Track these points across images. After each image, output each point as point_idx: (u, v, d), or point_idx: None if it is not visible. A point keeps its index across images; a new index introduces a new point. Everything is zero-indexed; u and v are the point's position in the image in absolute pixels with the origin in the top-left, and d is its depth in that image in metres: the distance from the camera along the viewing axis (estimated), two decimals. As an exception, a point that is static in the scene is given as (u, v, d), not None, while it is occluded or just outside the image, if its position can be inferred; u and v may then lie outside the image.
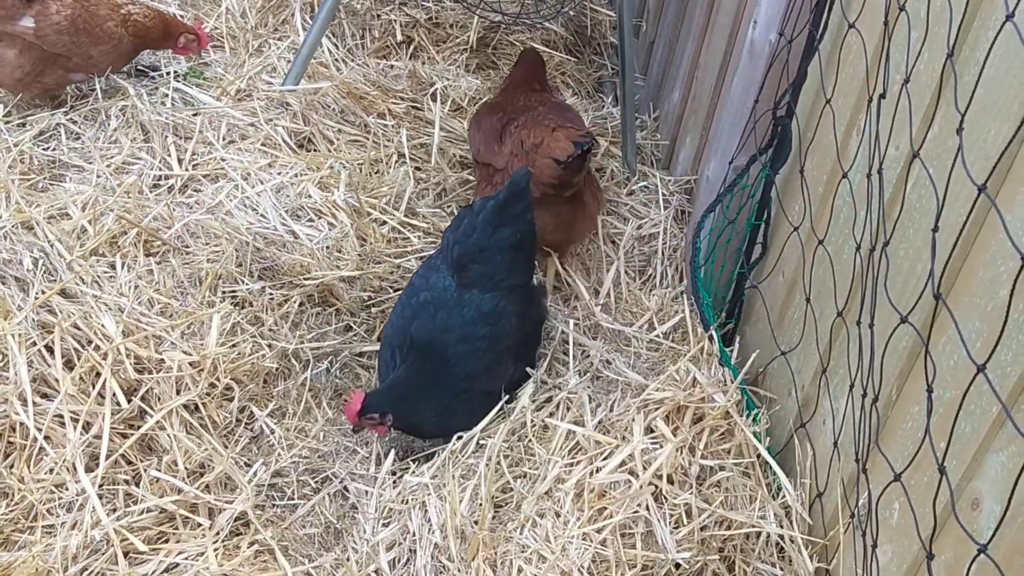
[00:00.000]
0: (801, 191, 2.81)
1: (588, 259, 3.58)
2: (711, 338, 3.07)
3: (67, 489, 2.55)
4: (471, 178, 3.76)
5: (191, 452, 2.62)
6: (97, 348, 2.73)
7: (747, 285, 3.15)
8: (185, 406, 2.68)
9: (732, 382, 2.91)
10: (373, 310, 3.30)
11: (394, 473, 2.85)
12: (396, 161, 3.70)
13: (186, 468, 2.61)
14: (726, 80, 3.57)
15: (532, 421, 2.79)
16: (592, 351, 3.08)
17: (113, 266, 3.05)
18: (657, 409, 2.71)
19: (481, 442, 2.80)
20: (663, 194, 3.84)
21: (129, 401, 2.65)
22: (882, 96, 2.29)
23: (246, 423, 2.79)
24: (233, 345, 2.82)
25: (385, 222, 3.46)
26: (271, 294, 3.10)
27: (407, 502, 2.68)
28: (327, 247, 3.29)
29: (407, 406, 2.81)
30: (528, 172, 2.96)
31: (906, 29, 2.23)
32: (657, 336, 3.16)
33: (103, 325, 2.75)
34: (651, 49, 4.61)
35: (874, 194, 2.29)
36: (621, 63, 4.01)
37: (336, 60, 4.09)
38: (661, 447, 2.61)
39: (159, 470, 2.60)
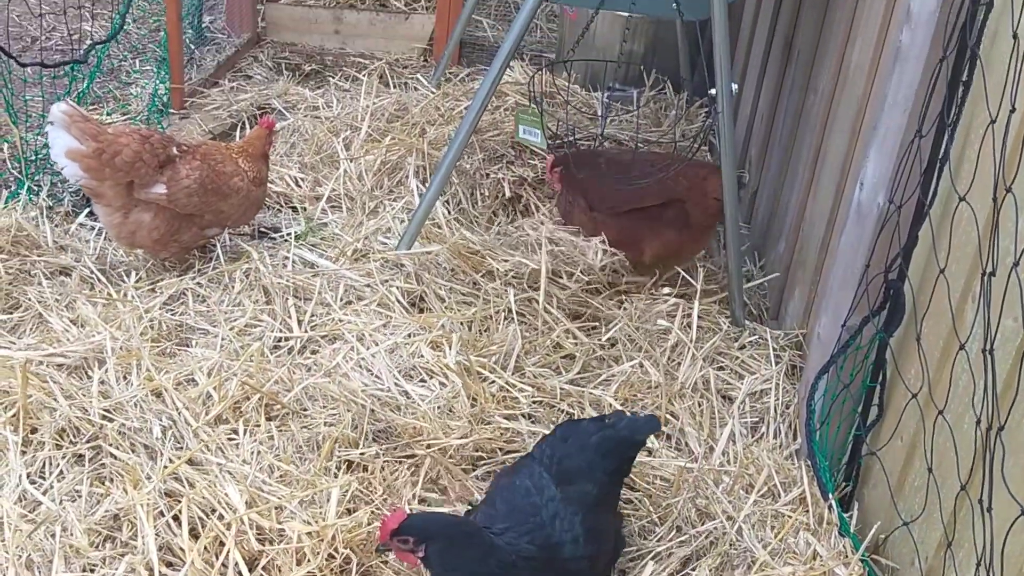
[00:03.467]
0: (918, 358, 2.77)
1: (700, 414, 3.56)
2: (830, 507, 3.01)
3: (190, 660, 2.60)
4: (577, 333, 3.80)
5: (310, 623, 2.66)
6: (221, 517, 2.81)
7: (864, 451, 3.09)
8: (304, 577, 2.72)
9: (853, 553, 2.83)
10: (483, 471, 3.33)
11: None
12: (505, 319, 3.77)
13: (305, 640, 2.64)
14: (833, 236, 3.58)
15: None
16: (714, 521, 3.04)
17: (236, 432, 3.16)
18: (777, 585, 2.66)
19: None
20: (773, 348, 3.82)
21: (251, 572, 2.71)
22: (991, 274, 2.27)
23: (364, 595, 2.81)
24: (351, 513, 2.87)
25: (494, 381, 3.51)
26: (386, 459, 3.15)
27: None
28: (439, 407, 3.35)
29: (449, 548, 2.52)
30: (656, 422, 2.94)
31: (1014, 208, 2.22)
32: (774, 504, 3.10)
33: (227, 495, 2.83)
34: (755, 198, 4.66)
35: (988, 374, 2.25)
36: (725, 217, 4.04)
37: (448, 220, 4.23)
38: (782, 625, 2.55)
39: (278, 641, 2.63)
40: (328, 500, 2.88)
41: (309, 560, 2.70)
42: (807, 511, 3.07)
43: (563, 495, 2.69)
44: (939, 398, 2.64)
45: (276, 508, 2.83)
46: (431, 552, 2.49)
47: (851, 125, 3.51)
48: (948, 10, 2.74)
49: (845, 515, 3.08)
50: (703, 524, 3.02)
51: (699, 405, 3.58)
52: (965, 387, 2.54)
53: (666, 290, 4.07)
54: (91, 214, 4.33)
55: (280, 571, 2.71)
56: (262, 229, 4.40)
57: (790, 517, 3.02)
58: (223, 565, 2.71)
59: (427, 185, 4.19)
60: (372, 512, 2.88)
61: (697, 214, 4.02)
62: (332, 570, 2.72)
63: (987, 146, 2.43)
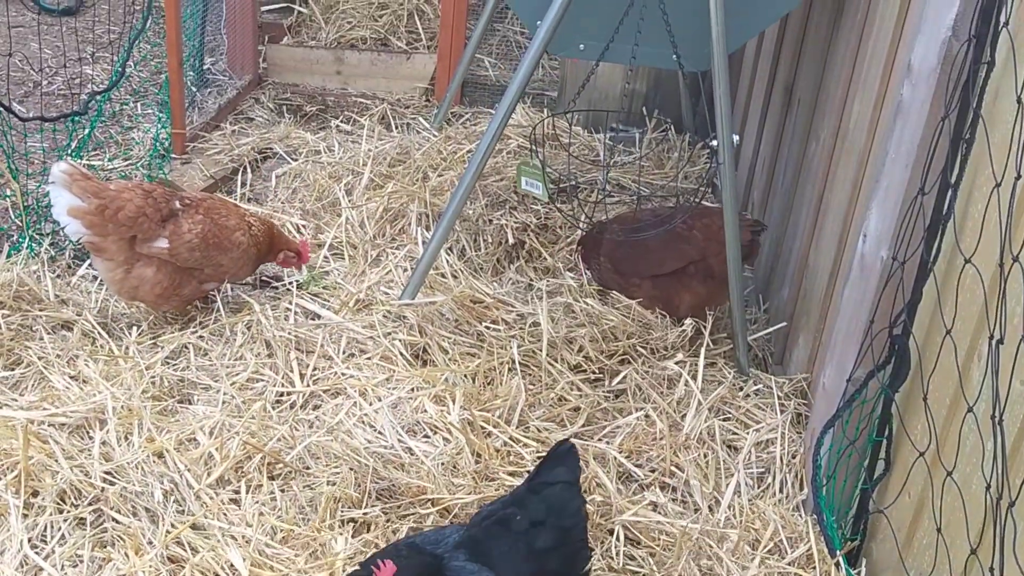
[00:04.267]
0: (925, 417, 2.75)
1: (705, 466, 3.53)
2: (837, 564, 2.98)
3: None
4: (581, 385, 3.77)
5: None
6: (223, 583, 2.79)
7: (872, 508, 3.06)
8: (308, 645, 2.70)
9: (863, 614, 2.80)
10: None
11: None
12: (508, 372, 3.75)
13: None
14: (837, 287, 3.56)
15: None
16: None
17: (238, 493, 3.14)
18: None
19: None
20: (778, 396, 3.80)
21: (254, 640, 2.69)
22: (1000, 341, 2.25)
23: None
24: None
25: (498, 436, 3.49)
26: (388, 519, 3.13)
27: None
28: (442, 463, 3.33)
29: None
30: (572, 445, 2.75)
31: (1021, 277, 2.21)
32: (781, 561, 3.07)
33: (231, 563, 2.81)
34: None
35: (996, 443, 2.23)
36: (729, 264, 4.02)
37: (452, 268, 4.22)
38: None
39: None
40: (333, 565, 2.86)
41: (313, 629, 2.68)
42: (814, 568, 3.04)
43: (456, 542, 2.60)
44: (947, 458, 2.62)
45: (281, 575, 2.80)
46: None
47: (853, 176, 3.50)
48: (950, 67, 2.73)
49: (853, 571, 3.05)
50: None
51: (704, 457, 3.55)
52: (973, 448, 2.51)
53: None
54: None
55: (283, 640, 2.69)
56: (264, 278, 4.39)
57: (797, 573, 3.00)
58: (226, 634, 2.69)
59: (430, 233, 4.18)
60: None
61: (717, 264, 4.01)
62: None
63: (991, 206, 2.42)
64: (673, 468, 3.49)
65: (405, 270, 4.28)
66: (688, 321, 4.03)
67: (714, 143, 3.63)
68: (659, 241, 4.00)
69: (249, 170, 5.36)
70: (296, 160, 5.38)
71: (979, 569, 2.41)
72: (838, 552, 3.04)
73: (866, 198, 3.24)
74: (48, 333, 3.86)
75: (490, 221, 4.57)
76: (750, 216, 4.47)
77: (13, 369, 3.69)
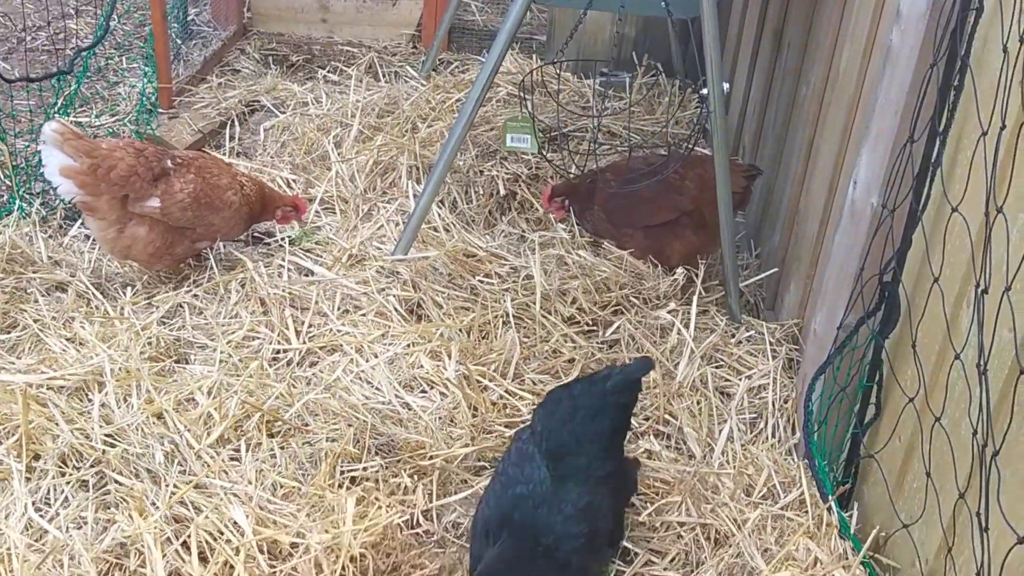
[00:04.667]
0: (914, 363, 2.78)
1: (699, 413, 3.57)
2: (830, 508, 3.03)
3: None
4: (575, 337, 3.80)
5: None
6: (229, 541, 2.83)
7: (863, 453, 3.11)
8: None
9: (854, 555, 2.86)
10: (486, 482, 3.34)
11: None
12: (503, 325, 3.77)
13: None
14: (827, 232, 3.58)
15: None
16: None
17: (238, 451, 3.18)
18: (778, 595, 2.68)
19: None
20: (770, 343, 3.83)
21: (261, 595, 2.74)
22: (984, 291, 2.27)
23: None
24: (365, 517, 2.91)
25: (494, 390, 3.52)
26: (389, 469, 3.17)
27: None
28: (440, 418, 3.37)
29: None
30: (651, 363, 2.99)
31: (1004, 229, 2.22)
32: (774, 506, 3.13)
33: (234, 520, 2.86)
34: (749, 185, 4.64)
35: (982, 391, 2.26)
36: (720, 211, 4.02)
37: (444, 221, 4.23)
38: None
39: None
40: (337, 514, 2.91)
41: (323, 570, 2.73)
42: (807, 512, 3.10)
43: (554, 473, 2.74)
44: (935, 404, 2.66)
45: (286, 528, 2.85)
46: None
47: (843, 122, 3.49)
48: (939, 14, 2.72)
49: (845, 514, 3.10)
50: (704, 529, 3.05)
51: (697, 404, 3.59)
52: (961, 394, 2.55)
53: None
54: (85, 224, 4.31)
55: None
56: (256, 234, 4.39)
57: (790, 521, 3.05)
58: (233, 590, 2.74)
59: (421, 186, 4.17)
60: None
61: (710, 214, 4.00)
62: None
63: (978, 155, 2.42)
64: (667, 416, 3.54)
65: (397, 224, 4.29)
66: (680, 270, 4.05)
67: (704, 91, 3.62)
68: (652, 192, 3.99)
69: (237, 123, 5.32)
70: (284, 113, 5.34)
71: (968, 513, 2.47)
72: (830, 497, 3.10)
73: (856, 144, 3.24)
74: (43, 295, 3.87)
75: (481, 172, 4.56)
76: (743, 162, 4.46)
77: (9, 332, 3.70)
